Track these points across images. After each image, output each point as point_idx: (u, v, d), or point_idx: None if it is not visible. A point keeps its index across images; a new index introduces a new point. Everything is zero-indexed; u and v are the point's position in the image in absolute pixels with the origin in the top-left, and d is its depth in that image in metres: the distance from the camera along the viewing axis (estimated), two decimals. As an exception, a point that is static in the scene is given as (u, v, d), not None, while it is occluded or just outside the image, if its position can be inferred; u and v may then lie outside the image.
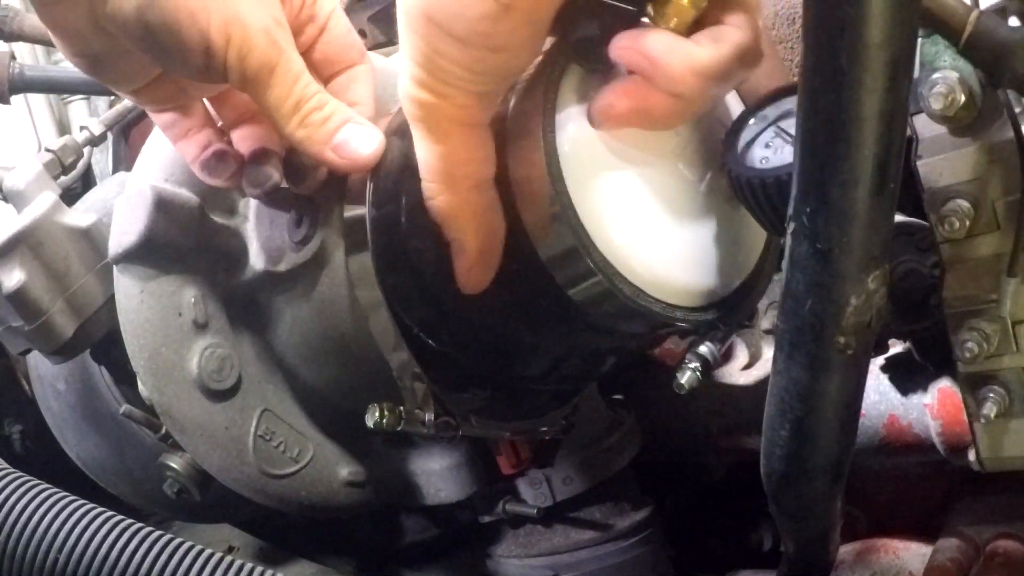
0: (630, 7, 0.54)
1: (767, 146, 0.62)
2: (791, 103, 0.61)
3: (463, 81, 0.55)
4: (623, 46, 0.55)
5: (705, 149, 0.63)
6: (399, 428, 0.68)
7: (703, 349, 0.72)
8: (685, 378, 0.70)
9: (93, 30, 0.64)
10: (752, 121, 0.63)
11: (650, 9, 0.54)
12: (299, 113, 0.66)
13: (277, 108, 0.66)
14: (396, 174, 0.68)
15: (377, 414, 0.67)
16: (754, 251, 0.67)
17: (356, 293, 0.70)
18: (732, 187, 0.61)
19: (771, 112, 0.63)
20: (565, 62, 0.59)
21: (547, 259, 0.60)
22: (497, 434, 0.76)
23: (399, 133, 0.69)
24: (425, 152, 0.60)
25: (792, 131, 0.60)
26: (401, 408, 0.68)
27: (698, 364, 0.71)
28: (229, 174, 0.73)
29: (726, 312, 0.65)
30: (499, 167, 0.60)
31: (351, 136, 0.67)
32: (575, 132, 0.58)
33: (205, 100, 0.76)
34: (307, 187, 0.72)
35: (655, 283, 0.60)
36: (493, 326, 0.67)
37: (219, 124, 0.76)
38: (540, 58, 0.60)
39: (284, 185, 0.74)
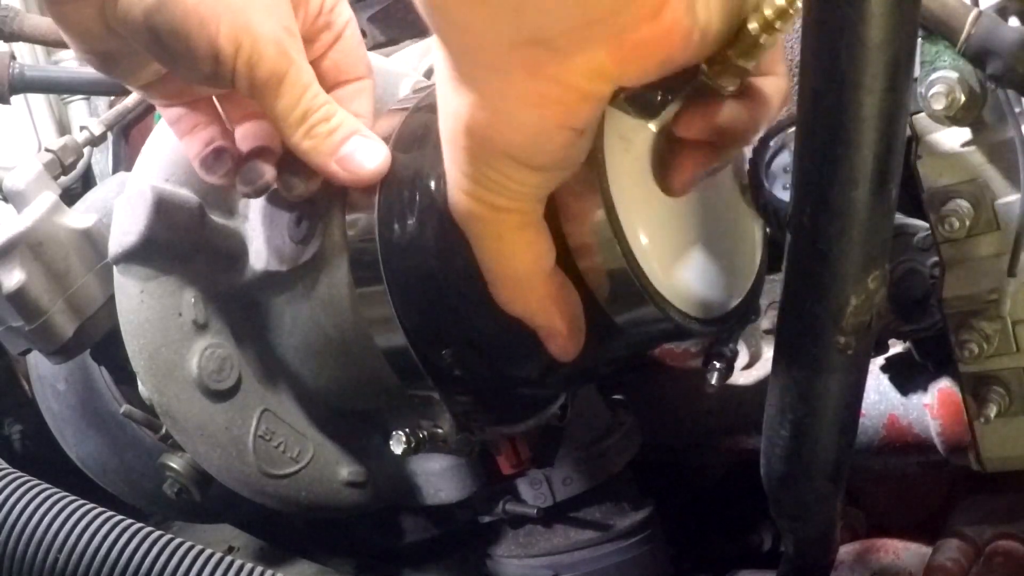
0: None
1: (786, 170, 0.66)
2: None
3: (529, 196, 0.55)
4: (698, 125, 0.55)
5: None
6: (424, 451, 0.69)
7: (724, 349, 0.74)
8: (715, 378, 0.72)
9: (103, 30, 0.64)
10: (771, 144, 0.66)
11: (703, 64, 0.53)
12: (306, 123, 0.66)
13: (284, 118, 0.66)
14: (407, 188, 0.67)
15: (404, 440, 0.69)
16: (755, 258, 0.68)
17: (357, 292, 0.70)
18: (763, 216, 0.65)
19: (783, 137, 0.66)
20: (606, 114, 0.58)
21: (606, 301, 0.59)
22: (501, 435, 0.77)
23: (406, 143, 0.69)
24: (489, 260, 0.58)
25: None
26: (423, 433, 0.70)
27: (723, 364, 0.73)
28: (224, 171, 0.73)
29: (739, 317, 0.66)
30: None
31: (356, 149, 0.67)
32: (622, 178, 0.58)
33: (214, 97, 0.76)
34: (297, 196, 0.72)
35: (691, 304, 0.61)
36: (519, 342, 0.65)
37: (225, 122, 0.76)
38: None
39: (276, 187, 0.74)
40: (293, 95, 0.65)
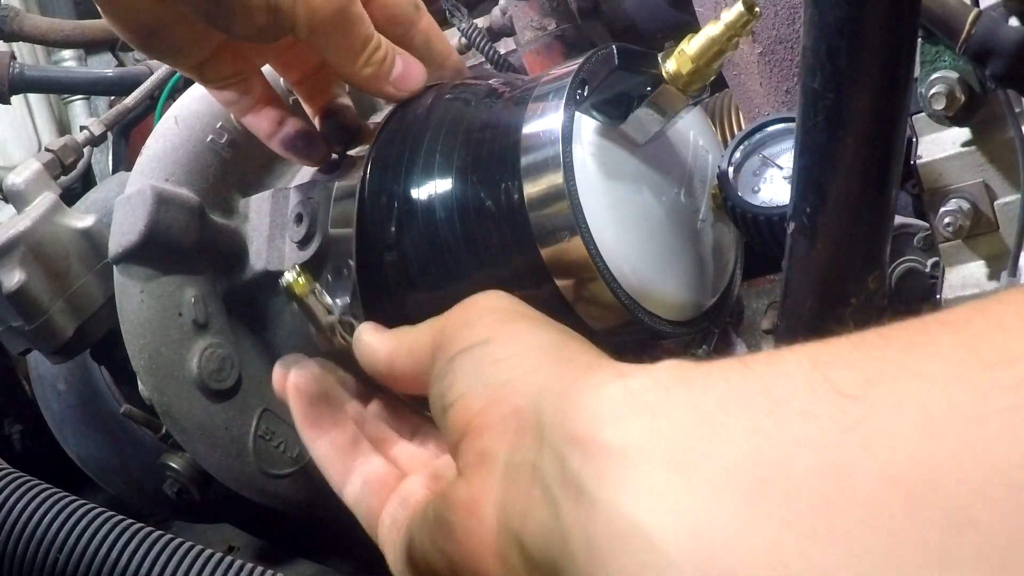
0: (655, 71, 0.56)
1: (755, 174, 0.66)
2: (772, 129, 0.68)
3: None
4: None
5: (673, 171, 0.65)
6: (303, 299, 0.65)
7: (697, 352, 0.74)
8: None
9: None
10: (739, 150, 0.67)
11: (672, 73, 0.56)
12: (365, 53, 0.67)
13: (347, 51, 0.67)
14: (384, 195, 0.67)
15: (292, 276, 0.65)
16: (728, 260, 0.68)
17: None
18: (732, 219, 0.66)
19: (752, 142, 0.67)
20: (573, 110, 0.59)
21: (575, 301, 0.59)
22: None
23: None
24: None
25: (777, 160, 0.66)
26: (317, 284, 0.66)
27: None
28: (320, 157, 0.73)
29: (712, 319, 0.66)
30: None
31: (403, 68, 0.70)
32: (590, 182, 0.58)
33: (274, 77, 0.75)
34: (356, 146, 0.72)
35: (662, 305, 0.61)
36: None
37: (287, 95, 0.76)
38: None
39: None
40: (353, 27, 0.66)
